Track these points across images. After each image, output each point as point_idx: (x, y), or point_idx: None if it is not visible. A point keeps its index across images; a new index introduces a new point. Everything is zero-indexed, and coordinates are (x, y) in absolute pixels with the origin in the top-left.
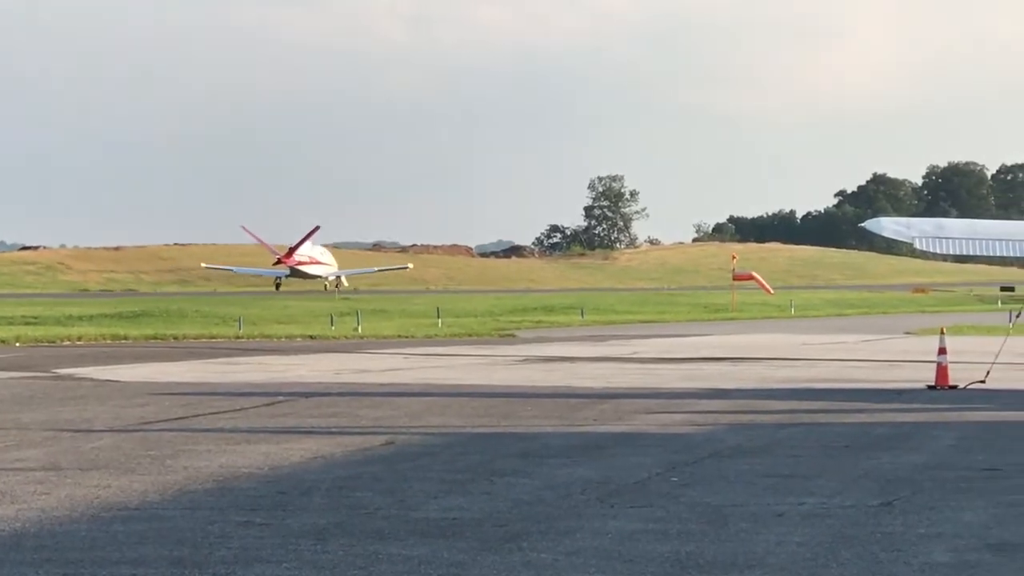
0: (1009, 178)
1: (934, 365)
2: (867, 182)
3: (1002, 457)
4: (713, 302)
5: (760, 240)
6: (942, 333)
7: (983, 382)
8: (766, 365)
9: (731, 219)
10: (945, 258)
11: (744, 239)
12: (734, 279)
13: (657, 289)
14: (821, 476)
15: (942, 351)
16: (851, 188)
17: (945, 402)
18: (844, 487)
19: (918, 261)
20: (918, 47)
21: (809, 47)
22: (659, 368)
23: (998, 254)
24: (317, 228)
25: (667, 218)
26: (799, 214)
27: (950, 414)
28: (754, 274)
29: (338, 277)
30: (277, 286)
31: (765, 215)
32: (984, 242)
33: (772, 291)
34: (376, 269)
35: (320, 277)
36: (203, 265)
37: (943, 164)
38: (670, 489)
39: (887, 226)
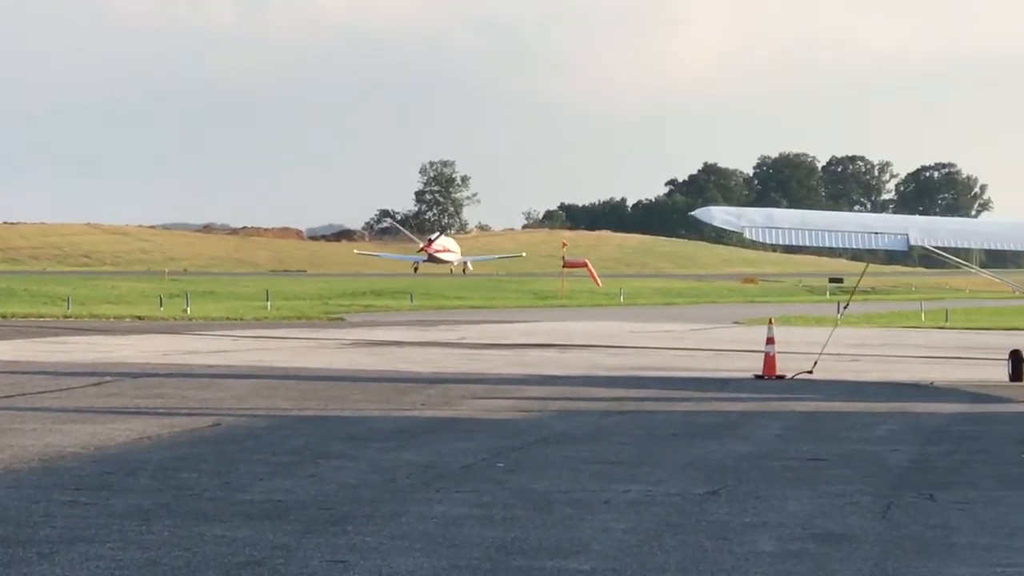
0: (839, 170)
1: (762, 355)
2: (698, 171)
3: (827, 447)
4: (542, 289)
5: (591, 228)
6: (770, 323)
7: (810, 372)
8: (594, 352)
9: (562, 206)
10: (775, 248)
11: (575, 227)
12: (564, 266)
13: (487, 275)
14: (647, 464)
15: (770, 341)
16: (682, 177)
17: (772, 392)
18: (670, 475)
19: (748, 251)
20: (751, 39)
21: (642, 36)
22: (487, 354)
23: (827, 245)
24: (444, 229)
25: (498, 204)
26: (630, 202)
27: (777, 404)
28: (588, 263)
29: (464, 263)
30: (415, 269)
31: (596, 203)
32: (813, 233)
33: (600, 283)
34: (496, 256)
35: (450, 263)
36: (355, 252)
37: (774, 155)
38: (496, 475)
39: (717, 215)
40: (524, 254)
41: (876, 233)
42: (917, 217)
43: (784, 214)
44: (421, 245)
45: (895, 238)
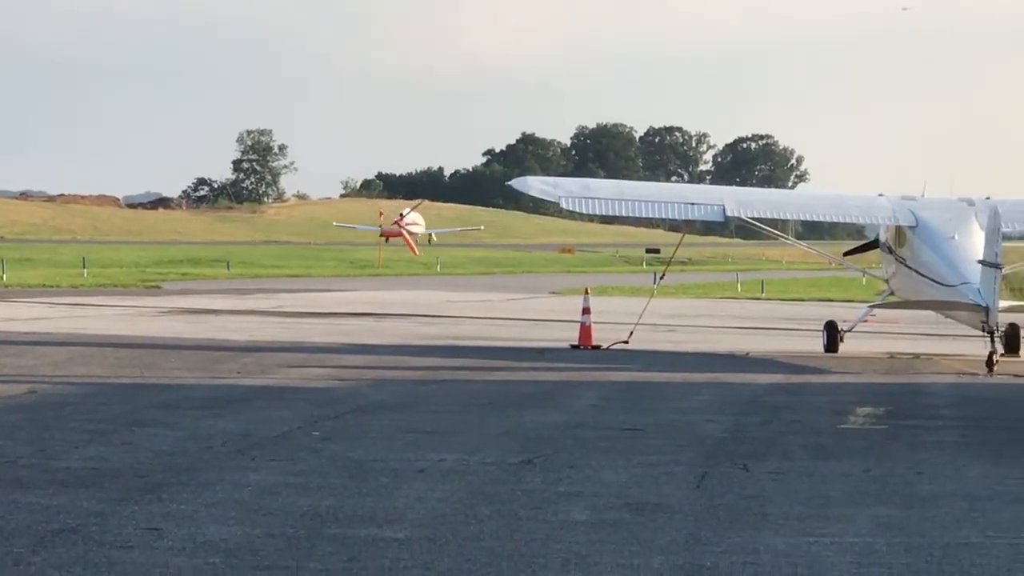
0: (657, 140)
1: (578, 325)
2: (516, 141)
3: (642, 417)
4: (360, 258)
5: (409, 197)
6: (586, 293)
7: (626, 343)
8: (411, 322)
9: (379, 175)
10: (592, 219)
11: (392, 195)
12: (382, 235)
13: (304, 243)
14: (462, 433)
15: (586, 311)
16: (500, 147)
17: (588, 362)
18: (485, 444)
19: (566, 221)
20: (568, 9)
21: (461, 5)
22: (304, 322)
23: (644, 215)
24: (421, 201)
25: (316, 173)
26: (447, 172)
27: (593, 374)
28: (404, 232)
29: (429, 234)
30: (386, 240)
31: (413, 172)
32: (630, 203)
33: (418, 253)
34: (459, 229)
35: (415, 235)
36: (334, 224)
37: (592, 125)
38: (311, 443)
39: (534, 185)
40: (482, 227)
41: (692, 204)
42: (733, 188)
43: (600, 184)
44: (395, 220)
45: (711, 208)
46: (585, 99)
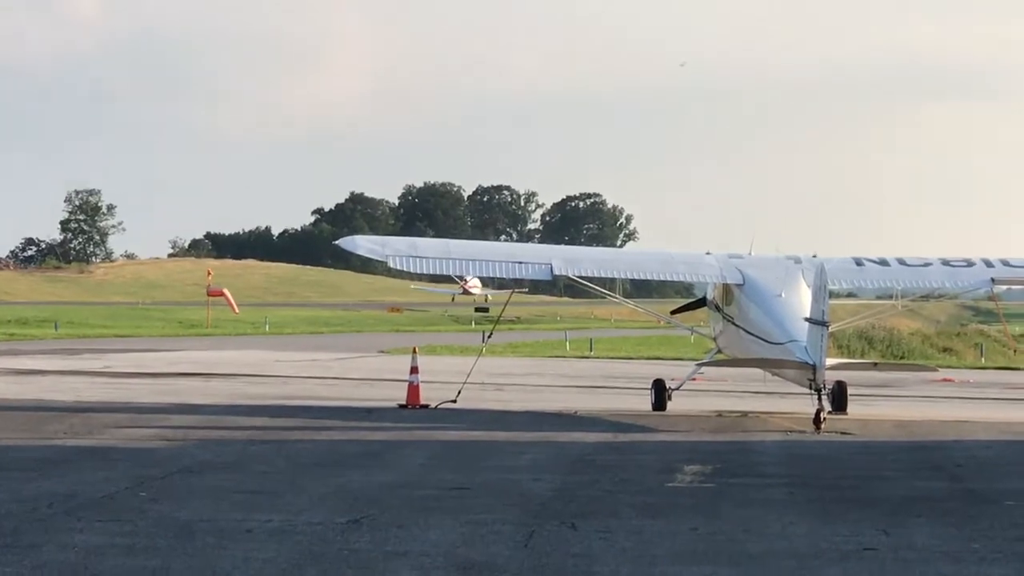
0: (485, 199)
1: (406, 384)
2: (345, 200)
3: (470, 476)
4: (188, 318)
5: (237, 257)
6: (414, 352)
7: (454, 402)
8: (239, 381)
9: (208, 235)
10: (420, 277)
11: (221, 255)
12: (208, 295)
13: (132, 304)
14: (290, 493)
15: (414, 370)
16: (328, 206)
17: (416, 421)
18: (312, 504)
19: (395, 280)
20: (398, 69)
21: (291, 65)
22: (131, 382)
23: (471, 274)
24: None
25: (144, 233)
26: (275, 231)
27: (421, 433)
28: (224, 290)
29: (486, 295)
30: (452, 299)
31: (242, 232)
32: (457, 262)
33: (237, 310)
34: (511, 291)
35: (474, 295)
36: (412, 287)
37: (420, 184)
38: (138, 504)
39: (361, 244)
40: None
41: (520, 262)
42: (561, 247)
43: (428, 243)
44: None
45: (539, 267)
46: (414, 158)
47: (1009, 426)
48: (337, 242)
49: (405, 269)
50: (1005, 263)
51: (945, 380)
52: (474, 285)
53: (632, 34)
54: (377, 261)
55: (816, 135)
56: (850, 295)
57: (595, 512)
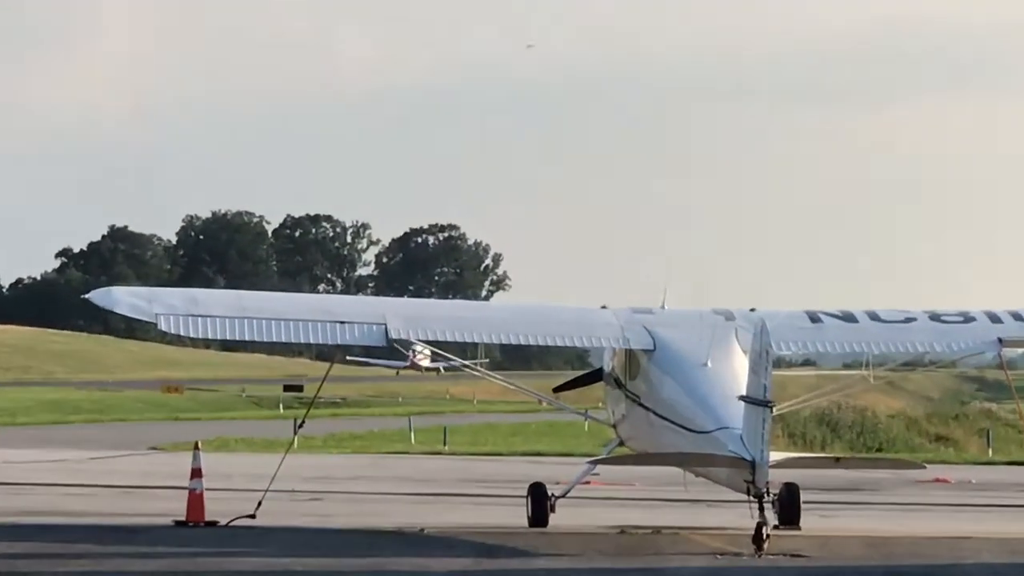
0: (298, 235)
1: (186, 493)
2: (102, 238)
3: None
4: None
5: None
6: (196, 449)
7: (253, 516)
8: None
9: None
10: (208, 344)
11: None
12: None
13: None
14: None
15: (196, 474)
16: (79, 246)
17: (201, 544)
18: None
19: (173, 348)
20: (160, 60)
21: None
22: None
23: (274, 339)
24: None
25: None
26: (5, 281)
27: (207, 561)
28: None
29: (438, 369)
30: (397, 373)
31: None
32: (254, 323)
33: None
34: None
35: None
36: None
37: (205, 215)
38: None
39: (121, 299)
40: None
41: (342, 322)
42: (398, 300)
43: (213, 297)
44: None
45: (368, 329)
46: (197, 179)
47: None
48: (88, 296)
49: (181, 332)
50: (1017, 316)
51: (938, 480)
52: (424, 356)
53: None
54: (147, 322)
55: (767, 139)
56: (805, 363)
57: None
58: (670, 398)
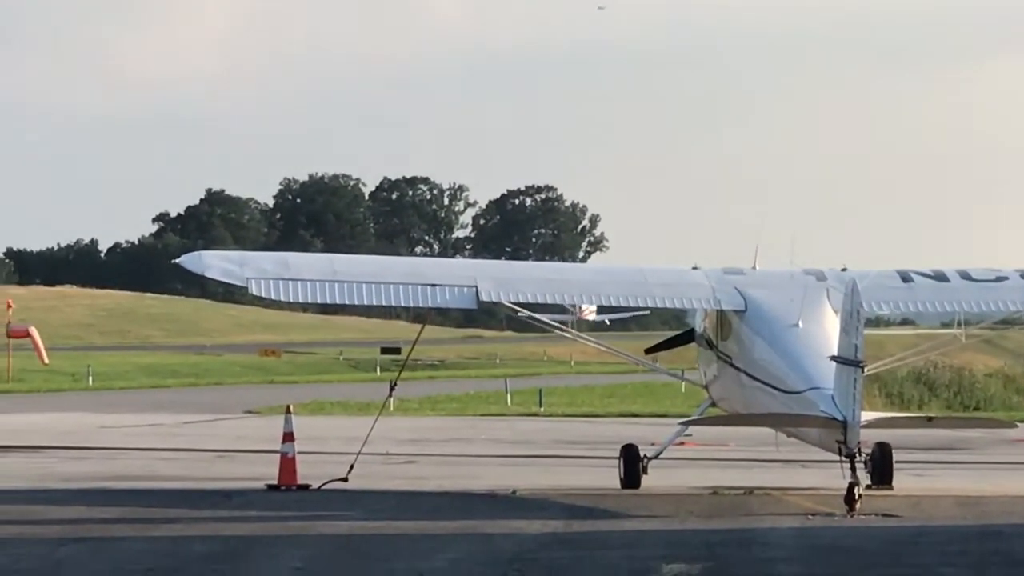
0: (394, 197)
1: (278, 457)
2: (199, 202)
3: None
4: None
5: (50, 282)
6: (288, 412)
7: (345, 480)
8: (49, 456)
9: (9, 253)
10: (306, 308)
11: (26, 280)
12: (9, 335)
13: None
14: None
15: (288, 438)
16: (176, 210)
17: (292, 508)
18: None
19: (271, 312)
20: (266, 32)
21: (120, 20)
22: None
23: (366, 302)
24: None
25: None
26: (103, 246)
27: (297, 524)
28: (31, 329)
29: (604, 321)
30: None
31: (56, 247)
32: (345, 286)
33: (47, 360)
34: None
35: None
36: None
37: (303, 178)
38: None
39: (212, 263)
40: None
41: (434, 285)
42: (489, 262)
43: (305, 261)
44: None
45: (460, 292)
46: (293, 142)
47: None
48: (179, 260)
49: (273, 296)
50: None
51: None
52: (590, 311)
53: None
54: (240, 286)
55: (848, 99)
56: (904, 322)
57: None
58: (761, 358)
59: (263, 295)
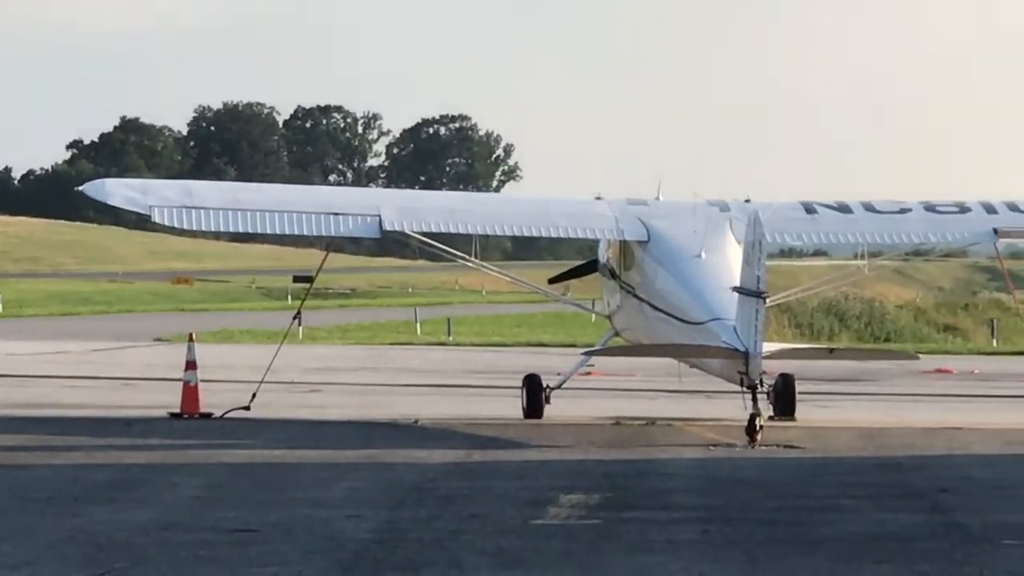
0: (308, 125)
1: (180, 385)
2: (113, 129)
3: (261, 513)
4: None
5: None
6: (191, 340)
7: (247, 408)
8: None
9: None
10: (216, 236)
11: None
12: None
13: None
14: (11, 540)
15: (191, 366)
16: (90, 138)
17: (193, 436)
18: (40, 554)
19: (185, 240)
20: None
21: None
22: None
23: (267, 231)
24: None
25: None
26: (17, 173)
27: (198, 453)
28: None
29: None
30: None
31: None
32: (247, 214)
33: None
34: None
35: None
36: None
37: (216, 106)
38: None
39: (115, 191)
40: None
41: (337, 215)
42: (394, 192)
43: (208, 189)
44: None
45: (363, 221)
46: (207, 69)
47: (1020, 435)
48: (81, 188)
49: (175, 224)
50: (1013, 207)
51: (939, 371)
52: None
53: None
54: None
55: (754, 30)
56: (816, 252)
57: (430, 562)
58: (663, 289)
59: (166, 223)
